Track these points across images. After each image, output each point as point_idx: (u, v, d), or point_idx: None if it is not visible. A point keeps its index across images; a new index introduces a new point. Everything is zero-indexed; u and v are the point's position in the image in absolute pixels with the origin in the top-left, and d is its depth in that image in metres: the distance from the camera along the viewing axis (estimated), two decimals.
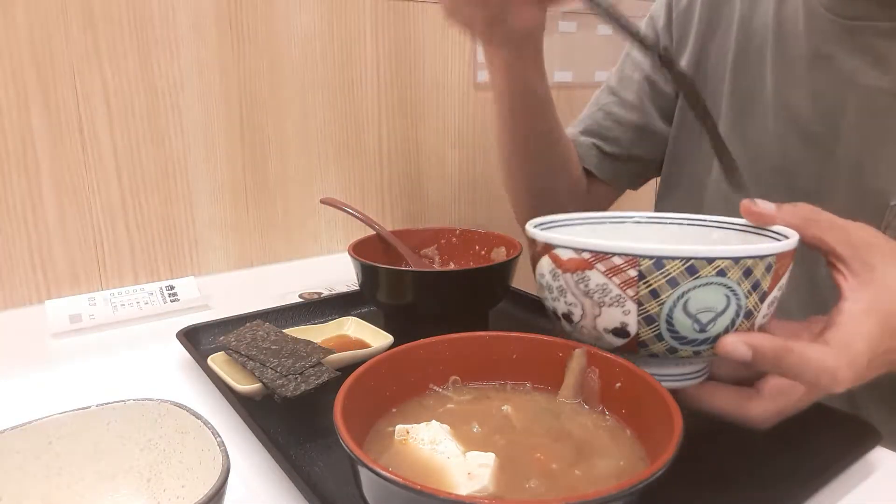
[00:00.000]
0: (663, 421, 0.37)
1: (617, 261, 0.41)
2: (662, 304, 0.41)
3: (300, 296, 0.82)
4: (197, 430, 0.39)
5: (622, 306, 0.42)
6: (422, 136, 1.10)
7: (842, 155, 0.62)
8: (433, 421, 0.41)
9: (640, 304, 0.41)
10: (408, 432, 0.40)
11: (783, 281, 0.43)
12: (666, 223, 0.55)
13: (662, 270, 0.40)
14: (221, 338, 0.60)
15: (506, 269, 0.70)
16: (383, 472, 0.32)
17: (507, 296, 0.74)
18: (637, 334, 0.43)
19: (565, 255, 0.43)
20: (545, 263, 0.45)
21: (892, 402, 0.59)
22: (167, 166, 0.86)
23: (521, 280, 0.73)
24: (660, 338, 0.42)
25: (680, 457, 0.34)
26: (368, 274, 0.68)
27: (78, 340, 0.71)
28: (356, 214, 0.81)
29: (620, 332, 0.43)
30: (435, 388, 0.47)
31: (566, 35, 1.28)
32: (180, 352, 0.63)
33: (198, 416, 0.40)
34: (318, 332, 0.65)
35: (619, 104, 0.80)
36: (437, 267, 0.80)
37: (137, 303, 0.79)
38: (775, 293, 0.43)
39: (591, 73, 1.35)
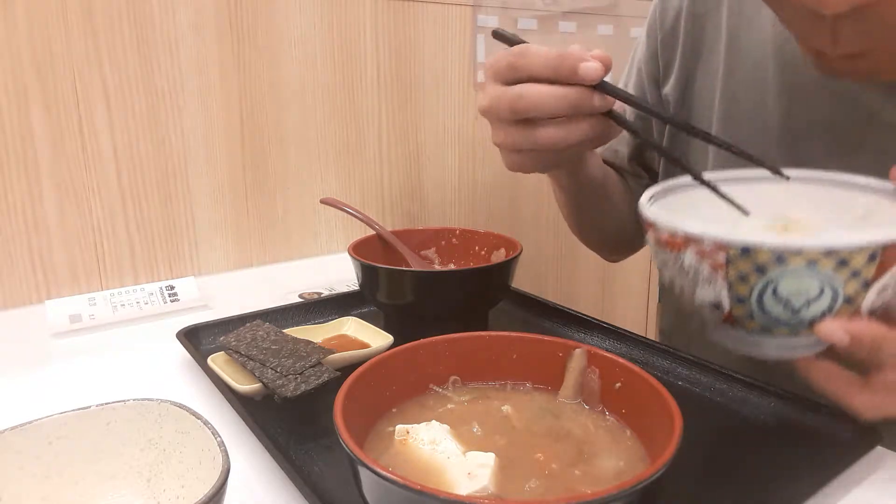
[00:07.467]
0: (663, 421, 0.37)
1: (707, 246, 0.41)
2: (752, 287, 0.41)
3: (300, 296, 0.82)
4: (197, 430, 0.39)
5: (714, 285, 0.42)
6: (422, 136, 1.10)
7: None
8: (433, 421, 0.41)
9: (729, 286, 0.42)
10: (408, 432, 0.40)
11: None
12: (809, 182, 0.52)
13: (749, 258, 0.40)
14: (221, 338, 0.60)
15: (506, 269, 0.70)
16: (383, 472, 0.32)
17: (507, 296, 0.74)
18: (730, 311, 0.43)
19: (663, 234, 0.44)
20: (650, 237, 0.46)
21: None
22: (167, 166, 0.86)
23: (521, 280, 0.73)
24: (752, 317, 0.42)
25: (680, 457, 0.34)
26: (368, 274, 0.68)
27: (78, 340, 0.71)
28: (356, 214, 0.81)
29: (716, 306, 0.43)
30: (435, 388, 0.47)
31: (566, 35, 1.28)
32: (180, 352, 0.63)
33: (198, 416, 0.40)
34: (318, 332, 0.65)
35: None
36: (437, 267, 0.80)
37: (137, 303, 0.79)
38: (887, 279, 0.40)
39: None
